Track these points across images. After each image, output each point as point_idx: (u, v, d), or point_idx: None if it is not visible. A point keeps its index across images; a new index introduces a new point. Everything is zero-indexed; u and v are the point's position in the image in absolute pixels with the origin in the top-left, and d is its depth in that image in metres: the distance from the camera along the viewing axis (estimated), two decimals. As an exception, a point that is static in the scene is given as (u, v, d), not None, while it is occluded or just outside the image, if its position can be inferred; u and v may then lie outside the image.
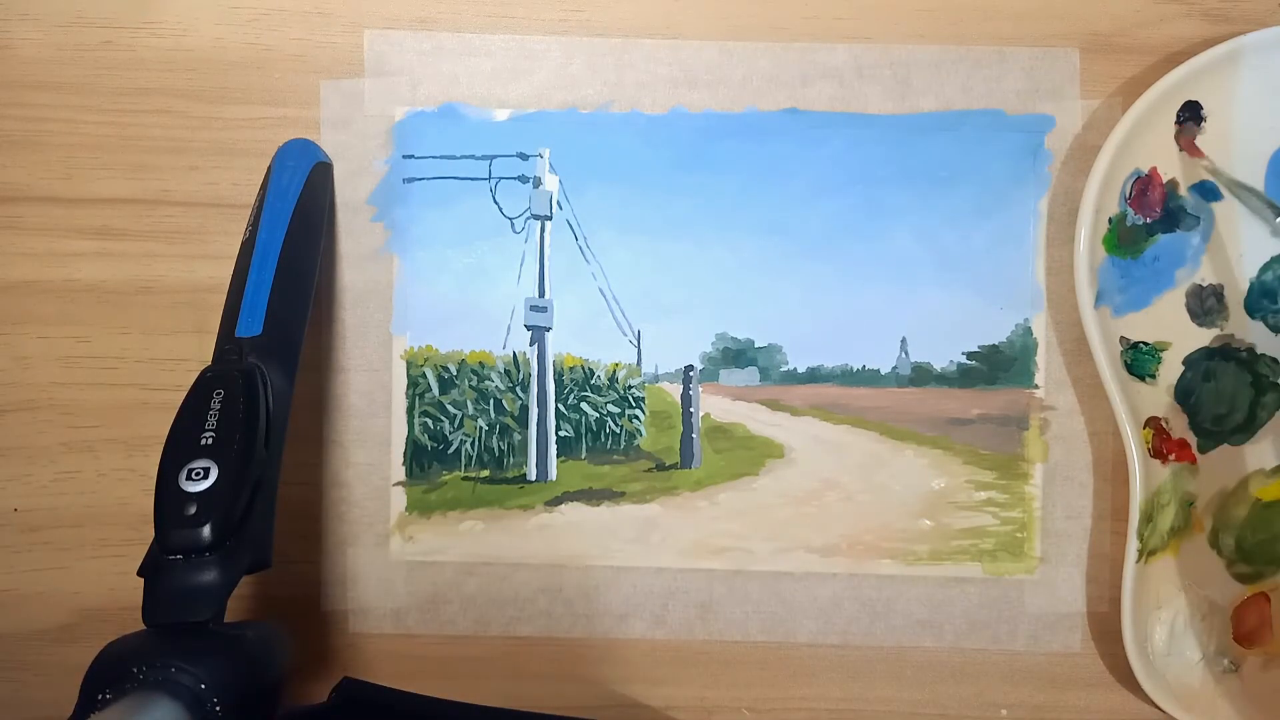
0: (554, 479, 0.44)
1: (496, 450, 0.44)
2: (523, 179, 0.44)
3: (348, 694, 0.36)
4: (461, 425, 0.44)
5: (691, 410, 0.44)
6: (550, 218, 0.44)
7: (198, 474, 0.34)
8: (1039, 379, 0.44)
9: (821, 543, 0.44)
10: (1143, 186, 0.42)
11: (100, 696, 0.31)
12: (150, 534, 0.34)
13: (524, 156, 0.44)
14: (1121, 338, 0.42)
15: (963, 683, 0.44)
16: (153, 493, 0.34)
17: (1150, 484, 0.42)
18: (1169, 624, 0.42)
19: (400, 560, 0.44)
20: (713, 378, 0.44)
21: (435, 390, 0.44)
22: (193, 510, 0.33)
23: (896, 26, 0.43)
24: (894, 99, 0.43)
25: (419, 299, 0.44)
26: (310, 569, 0.44)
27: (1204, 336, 0.42)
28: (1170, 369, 0.42)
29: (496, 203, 0.44)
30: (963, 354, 0.44)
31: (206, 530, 0.33)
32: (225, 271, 0.41)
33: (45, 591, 0.44)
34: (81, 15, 0.43)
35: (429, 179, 0.44)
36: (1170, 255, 0.42)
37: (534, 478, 0.44)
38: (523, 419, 0.44)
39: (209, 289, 0.44)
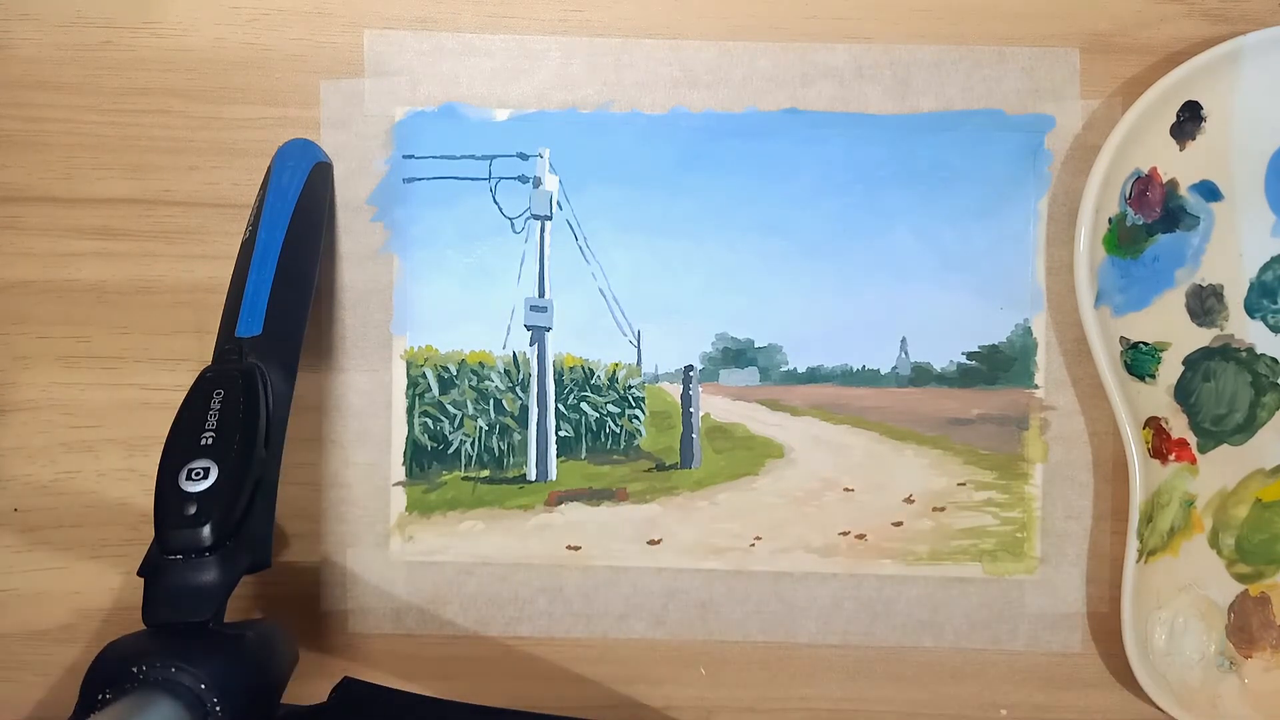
0: (554, 479, 0.44)
1: (496, 450, 0.44)
2: (523, 179, 0.44)
3: (348, 694, 0.36)
4: (461, 425, 0.44)
5: (691, 410, 0.44)
6: (550, 218, 0.44)
7: (198, 474, 0.34)
8: (1039, 379, 0.43)
9: (821, 543, 0.44)
10: (1143, 186, 0.42)
11: (100, 696, 0.31)
12: (150, 534, 0.34)
13: (524, 156, 0.44)
14: (1121, 338, 0.42)
15: (963, 683, 0.44)
16: (153, 493, 0.34)
17: (1150, 484, 0.42)
18: (1169, 624, 0.42)
19: (400, 560, 0.44)
20: (713, 378, 0.44)
21: (435, 390, 0.44)
22: (193, 510, 0.33)
23: (896, 26, 0.43)
24: (894, 99, 0.43)
25: (419, 299, 0.44)
26: (310, 569, 0.44)
27: (1204, 336, 0.42)
28: (1170, 369, 0.42)
29: (496, 203, 0.44)
30: (963, 354, 0.44)
31: (206, 530, 0.33)
32: (225, 271, 0.41)
33: (45, 591, 0.44)
34: (81, 15, 0.43)
35: (429, 179, 0.44)
36: (1170, 255, 0.42)
37: (534, 478, 0.44)
38: (523, 419, 0.44)
39: (209, 289, 0.44)
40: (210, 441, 0.35)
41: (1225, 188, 0.42)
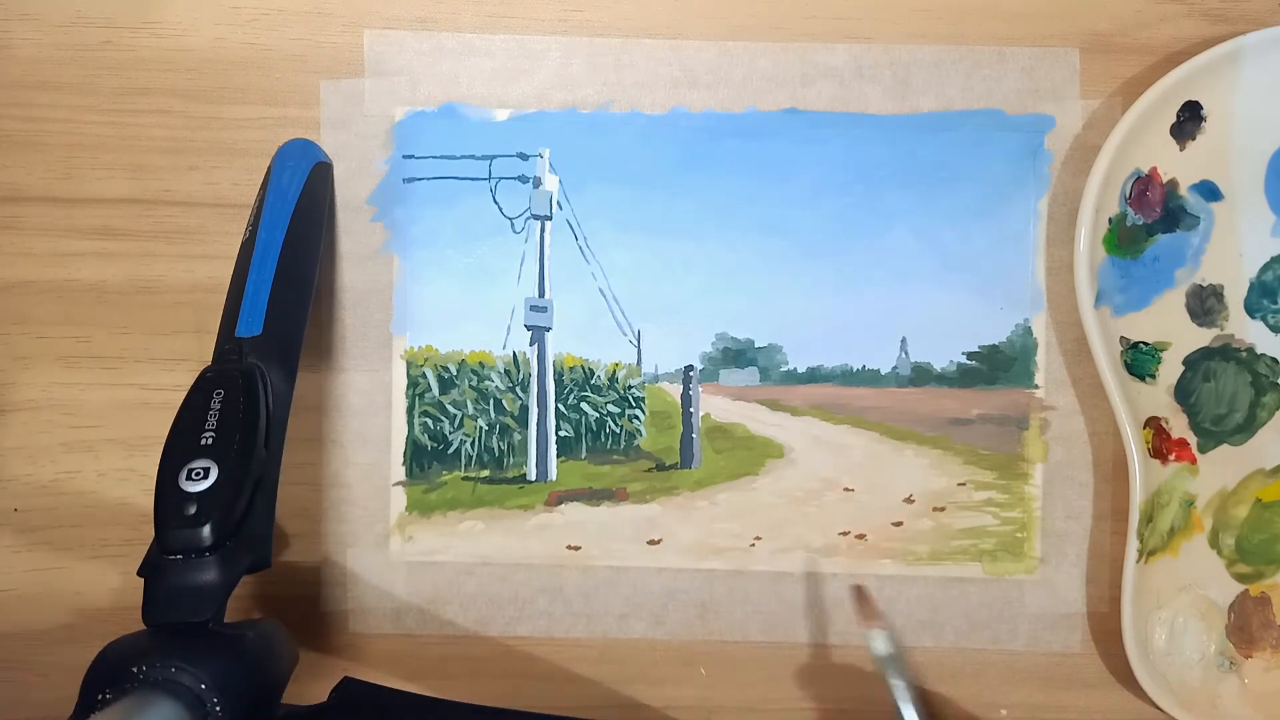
0: (554, 479, 0.44)
1: (496, 450, 0.44)
2: (523, 179, 0.44)
3: (348, 694, 0.36)
4: (461, 425, 0.44)
5: (691, 410, 0.44)
6: (550, 218, 0.44)
7: (198, 474, 0.34)
8: (1039, 379, 0.44)
9: (821, 543, 0.44)
10: (1143, 186, 0.42)
11: (100, 696, 0.31)
12: (150, 534, 0.34)
13: (524, 156, 0.44)
14: (1121, 338, 0.42)
15: (963, 683, 0.44)
16: (153, 493, 0.34)
17: (1150, 484, 0.42)
18: (1169, 624, 0.42)
19: (400, 560, 0.44)
20: (713, 378, 0.44)
21: (435, 390, 0.44)
22: (193, 510, 0.33)
23: (896, 26, 0.43)
24: (894, 99, 0.43)
25: (419, 299, 0.44)
26: (310, 569, 0.44)
27: (1204, 336, 0.42)
28: (1170, 369, 0.42)
29: (496, 203, 0.44)
30: (963, 354, 0.44)
31: (206, 530, 0.33)
32: (225, 271, 0.41)
33: (45, 591, 0.44)
34: (81, 15, 0.43)
35: (429, 179, 0.44)
36: (1170, 255, 0.42)
37: (534, 478, 0.44)
38: (523, 419, 0.44)
39: (209, 289, 0.44)
40: (210, 441, 0.35)
41: (1225, 188, 0.42)
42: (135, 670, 0.31)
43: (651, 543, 0.44)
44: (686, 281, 0.44)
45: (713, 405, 0.44)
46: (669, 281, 0.44)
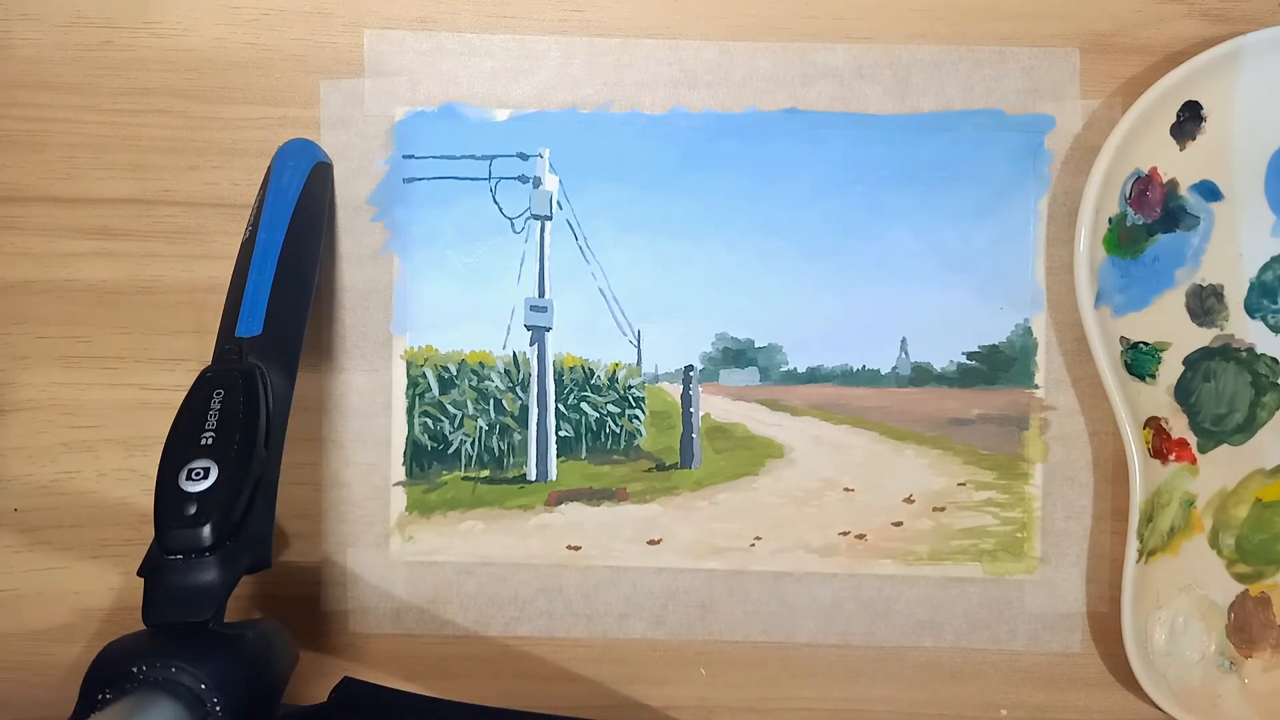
0: (554, 479, 0.44)
1: (496, 450, 0.44)
2: (523, 179, 0.44)
3: (348, 694, 0.36)
4: (461, 425, 0.44)
5: (691, 410, 0.44)
6: (550, 218, 0.44)
7: (198, 474, 0.34)
8: (1039, 379, 0.44)
9: (821, 543, 0.44)
10: (1143, 186, 0.42)
11: (100, 696, 0.31)
12: (150, 534, 0.34)
13: (524, 156, 0.44)
14: (1121, 338, 0.42)
15: (963, 683, 0.44)
16: (153, 493, 0.34)
17: (1150, 484, 0.42)
18: (1169, 624, 0.42)
19: (400, 560, 0.44)
20: (713, 378, 0.44)
21: (435, 390, 0.44)
22: (193, 510, 0.33)
23: (896, 26, 0.43)
24: (894, 99, 0.43)
25: (419, 299, 0.44)
26: (310, 569, 0.44)
27: (1204, 336, 0.42)
28: (1170, 369, 0.42)
29: (496, 203, 0.44)
30: (963, 354, 0.44)
31: (206, 530, 0.33)
32: (225, 271, 0.41)
33: (45, 591, 0.44)
34: (81, 15, 0.43)
35: (429, 179, 0.44)
36: (1170, 255, 0.42)
37: (534, 478, 0.44)
38: (523, 419, 0.44)
39: (209, 289, 0.44)
40: (210, 441, 0.35)
41: (1225, 188, 0.42)
42: (135, 670, 0.31)
43: (651, 543, 0.44)
44: (686, 281, 0.44)
45: (713, 405, 0.44)
46: (669, 281, 0.44)
